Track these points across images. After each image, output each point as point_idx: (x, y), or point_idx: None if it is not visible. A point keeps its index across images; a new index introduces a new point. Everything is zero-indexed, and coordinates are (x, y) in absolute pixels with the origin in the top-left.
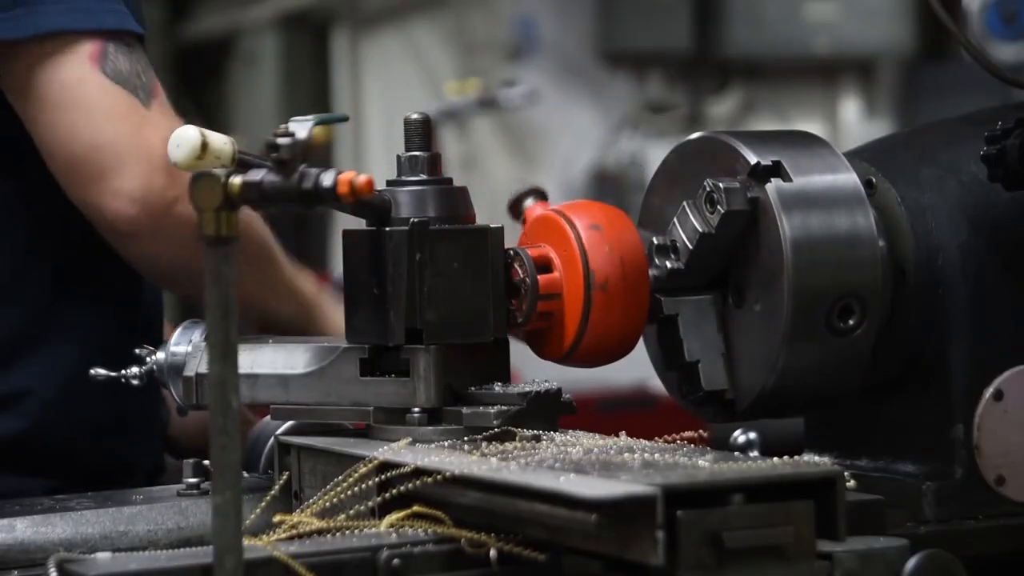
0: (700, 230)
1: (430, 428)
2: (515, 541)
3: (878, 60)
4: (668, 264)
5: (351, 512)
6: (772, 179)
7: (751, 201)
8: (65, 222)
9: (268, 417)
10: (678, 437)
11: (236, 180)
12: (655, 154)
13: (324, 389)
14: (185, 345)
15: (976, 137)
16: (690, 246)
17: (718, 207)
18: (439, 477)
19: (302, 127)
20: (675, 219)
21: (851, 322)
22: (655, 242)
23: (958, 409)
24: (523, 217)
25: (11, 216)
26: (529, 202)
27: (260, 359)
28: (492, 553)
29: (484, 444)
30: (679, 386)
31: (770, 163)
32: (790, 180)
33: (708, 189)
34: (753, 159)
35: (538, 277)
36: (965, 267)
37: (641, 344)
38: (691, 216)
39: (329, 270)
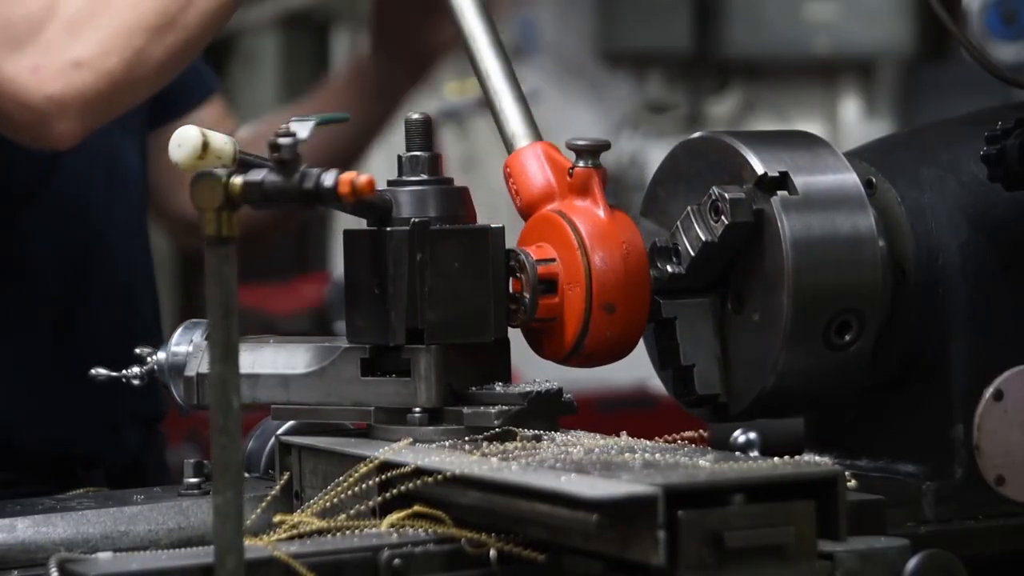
0: (703, 238)
1: (431, 428)
2: (515, 541)
3: (878, 60)
4: (669, 268)
5: (352, 512)
6: (778, 191)
7: (756, 212)
8: None
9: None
10: (679, 437)
11: (237, 180)
12: (655, 154)
13: (325, 389)
14: (186, 345)
15: (976, 137)
16: (692, 252)
17: (723, 218)
18: (440, 477)
19: (303, 127)
20: (678, 223)
21: (847, 337)
22: (657, 245)
23: (958, 409)
24: (571, 171)
25: None
26: (582, 164)
27: (261, 359)
28: (492, 553)
29: (485, 444)
30: (673, 386)
31: (777, 174)
32: (796, 193)
33: (714, 198)
34: (760, 169)
35: (539, 300)
36: (965, 267)
37: (641, 344)
38: (695, 223)
39: (329, 270)
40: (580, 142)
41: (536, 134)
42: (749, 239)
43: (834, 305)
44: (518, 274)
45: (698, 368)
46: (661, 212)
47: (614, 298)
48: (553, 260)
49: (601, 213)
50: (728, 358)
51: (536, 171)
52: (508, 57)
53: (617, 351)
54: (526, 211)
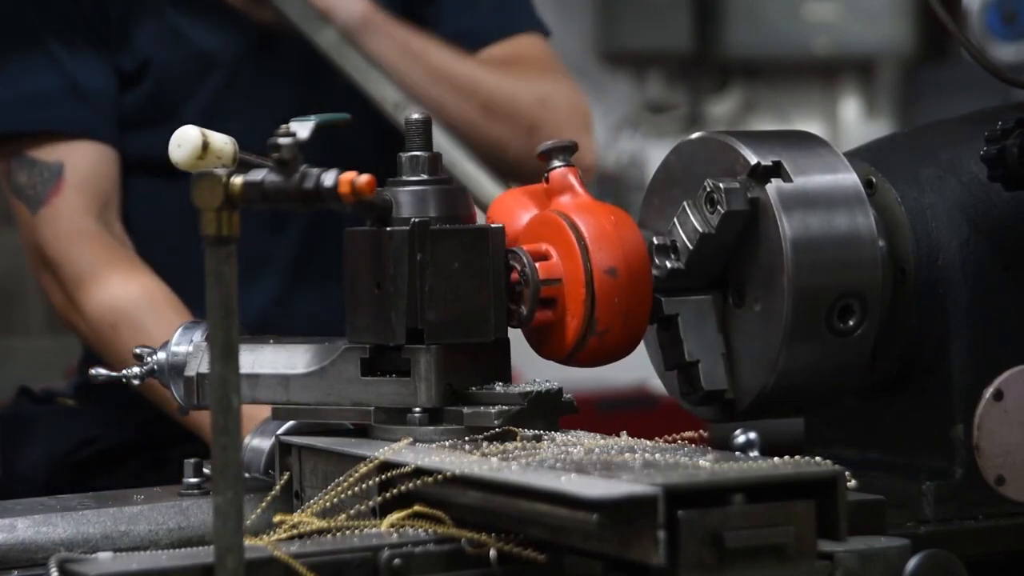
0: (700, 230)
1: (431, 428)
2: (515, 541)
3: (878, 60)
4: (668, 264)
5: (352, 512)
6: (772, 179)
7: (751, 201)
8: None
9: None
10: (679, 437)
11: (237, 180)
12: (655, 154)
13: (325, 389)
14: (186, 345)
15: (976, 137)
16: (690, 246)
17: (718, 207)
18: (440, 477)
19: (303, 127)
20: (675, 219)
21: (851, 322)
22: (655, 242)
23: (958, 409)
24: (546, 176)
25: None
26: (557, 163)
27: (261, 359)
28: (492, 553)
29: (485, 444)
30: (679, 386)
31: (770, 163)
32: (790, 180)
33: (708, 189)
34: (753, 159)
35: (537, 314)
36: (965, 267)
37: (641, 344)
38: (691, 216)
39: None
40: (546, 145)
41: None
42: (747, 232)
43: (835, 289)
44: (521, 290)
45: (703, 364)
46: (658, 221)
47: (611, 319)
48: (558, 281)
49: (586, 198)
50: (732, 354)
51: (517, 214)
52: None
53: (617, 354)
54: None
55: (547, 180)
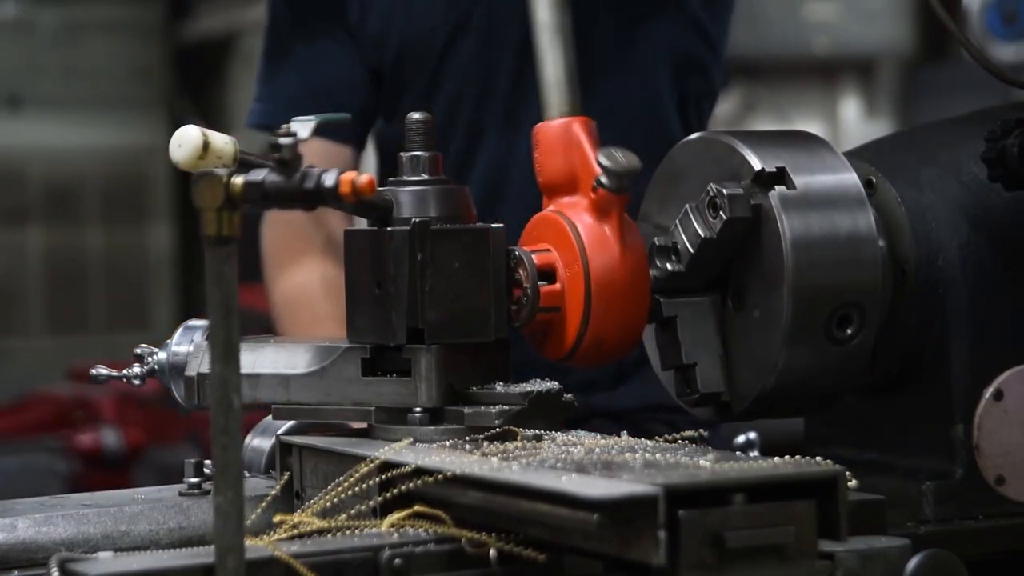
0: (702, 235)
1: (431, 428)
2: (515, 541)
3: (878, 60)
4: (668, 266)
5: (352, 512)
6: (776, 186)
7: (754, 208)
8: None
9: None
10: (679, 437)
11: (238, 180)
12: None
13: (325, 389)
14: (187, 345)
15: (976, 137)
16: (691, 250)
17: (721, 213)
18: (440, 477)
19: (303, 127)
20: (677, 221)
21: (849, 331)
22: (656, 244)
23: (958, 409)
24: (595, 186)
25: None
26: (607, 183)
27: (262, 359)
28: (492, 553)
29: (485, 444)
30: (676, 386)
31: (775, 170)
32: (794, 188)
33: (711, 194)
34: (758, 165)
35: (539, 289)
36: (965, 267)
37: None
38: (693, 220)
39: None
40: (608, 163)
41: (574, 106)
42: (748, 236)
43: (834, 299)
44: (518, 271)
45: (700, 366)
46: (659, 217)
47: (608, 315)
48: (548, 250)
49: (612, 238)
50: (730, 356)
51: (563, 154)
52: (565, 24)
53: (616, 353)
54: (544, 190)
55: (595, 191)
